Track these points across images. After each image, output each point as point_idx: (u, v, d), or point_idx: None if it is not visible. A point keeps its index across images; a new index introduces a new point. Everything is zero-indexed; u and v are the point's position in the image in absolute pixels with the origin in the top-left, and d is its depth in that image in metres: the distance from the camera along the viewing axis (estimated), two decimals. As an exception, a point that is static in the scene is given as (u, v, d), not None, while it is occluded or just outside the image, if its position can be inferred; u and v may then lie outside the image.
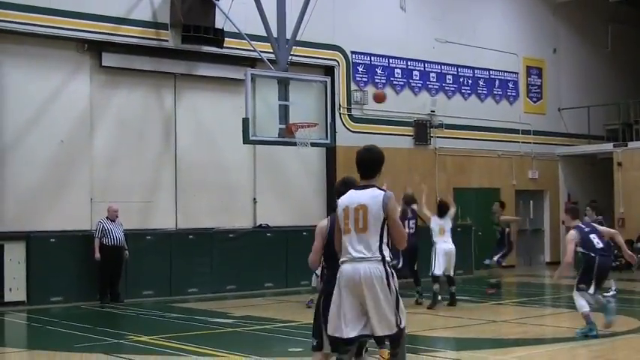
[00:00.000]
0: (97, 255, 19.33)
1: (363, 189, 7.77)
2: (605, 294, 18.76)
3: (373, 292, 7.44)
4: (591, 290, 13.41)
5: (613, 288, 19.34)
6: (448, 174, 27.30)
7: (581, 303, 13.37)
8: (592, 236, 13.52)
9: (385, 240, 7.57)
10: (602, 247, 13.46)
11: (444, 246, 17.99)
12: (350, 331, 7.53)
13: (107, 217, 19.73)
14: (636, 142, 29.89)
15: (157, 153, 22.08)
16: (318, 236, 8.44)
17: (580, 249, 13.56)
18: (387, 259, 7.56)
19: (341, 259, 7.65)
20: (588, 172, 31.48)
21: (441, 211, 18.35)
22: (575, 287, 13.60)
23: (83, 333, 14.72)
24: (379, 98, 20.00)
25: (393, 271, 7.62)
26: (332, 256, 8.09)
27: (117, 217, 19.80)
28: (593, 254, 13.37)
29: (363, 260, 7.52)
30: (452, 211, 18.57)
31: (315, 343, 8.22)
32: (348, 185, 8.22)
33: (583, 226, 13.77)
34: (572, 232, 13.50)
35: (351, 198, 7.75)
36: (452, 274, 18.16)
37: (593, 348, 12.69)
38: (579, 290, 13.48)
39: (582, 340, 13.22)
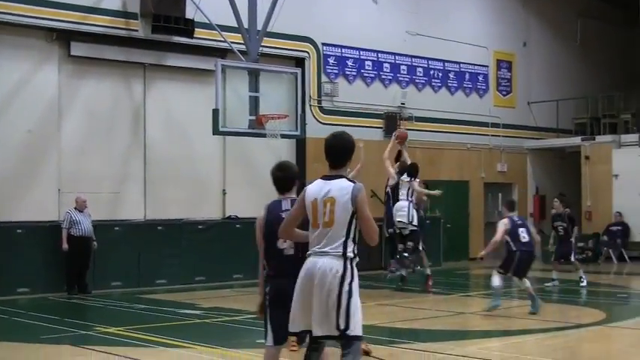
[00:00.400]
0: (65, 246, 19.20)
1: (331, 179, 7.22)
2: (547, 283, 19.23)
3: (322, 289, 6.95)
4: (496, 282, 15.31)
5: (554, 277, 20.19)
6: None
7: (495, 280, 15.28)
8: (520, 230, 15.16)
9: (352, 235, 7.04)
10: (527, 241, 15.11)
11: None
12: (295, 325, 7.19)
13: (75, 208, 19.60)
14: (604, 136, 30.11)
15: (126, 144, 21.97)
16: (257, 230, 8.09)
17: (507, 237, 15.17)
18: (350, 255, 7.01)
19: (307, 253, 7.23)
20: (557, 166, 31.68)
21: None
22: (497, 268, 15.42)
23: (50, 324, 14.64)
24: (402, 138, 20.05)
25: (355, 270, 7.07)
26: (272, 252, 7.88)
27: (85, 207, 19.67)
28: (515, 248, 15.07)
29: (324, 255, 7.03)
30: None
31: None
32: (283, 170, 8.18)
33: (515, 219, 15.43)
34: (505, 221, 15.24)
35: (319, 189, 7.21)
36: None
37: (559, 339, 12.80)
38: (499, 273, 15.33)
39: (550, 332, 13.34)
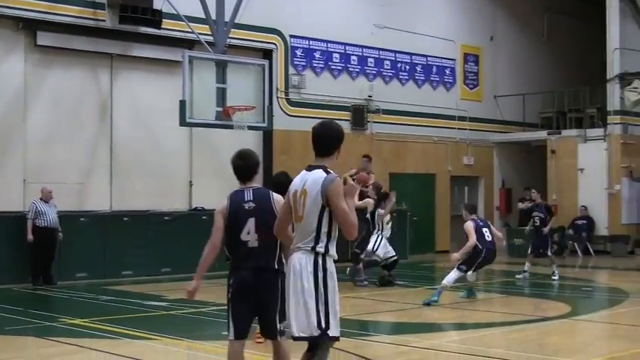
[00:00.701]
0: (30, 237, 19.07)
1: (312, 169, 6.91)
2: (518, 275, 19.52)
3: (295, 286, 6.71)
4: (469, 273, 15.90)
5: (525, 269, 20.45)
6: (384, 159, 27.38)
7: (451, 278, 15.71)
8: (484, 230, 16.01)
9: (325, 229, 6.71)
10: (490, 240, 15.88)
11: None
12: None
13: (41, 199, 19.45)
14: (570, 130, 30.29)
15: (92, 134, 21.86)
16: (218, 215, 7.94)
17: None
18: (320, 250, 6.70)
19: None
20: (523, 160, 31.87)
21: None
22: (457, 266, 15.82)
23: (15, 316, 14.55)
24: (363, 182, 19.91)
25: (328, 266, 6.75)
26: (235, 243, 7.82)
27: (51, 198, 19.54)
28: (481, 247, 15.69)
29: (297, 250, 6.78)
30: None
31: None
32: (243, 158, 7.96)
33: (478, 220, 16.37)
34: (470, 223, 16.04)
35: (300, 181, 6.94)
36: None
37: (525, 332, 12.90)
38: (459, 270, 15.78)
39: (516, 325, 13.44)
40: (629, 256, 27.54)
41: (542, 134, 30.80)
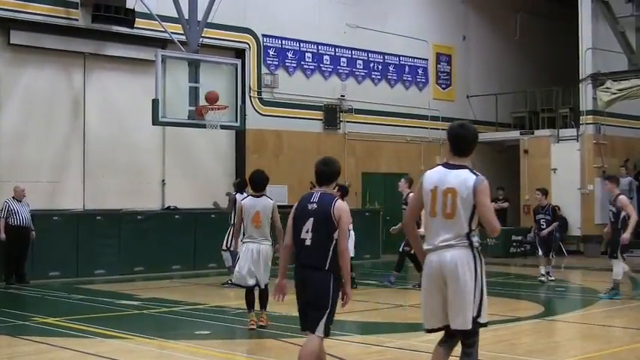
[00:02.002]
0: (2, 235, 19.00)
1: (453, 168, 7.37)
2: (543, 279, 19.23)
3: (457, 282, 7.00)
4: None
5: (545, 271, 19.88)
6: (357, 159, 27.47)
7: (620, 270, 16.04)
8: None
9: (474, 226, 7.17)
10: None
11: None
12: (432, 322, 7.24)
13: (13, 197, 19.37)
14: (542, 130, 30.42)
15: (65, 133, 21.80)
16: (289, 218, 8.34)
17: None
18: (476, 244, 7.13)
19: (425, 247, 7.23)
20: (495, 160, 31.94)
21: None
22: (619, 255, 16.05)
23: (-14, 315, 14.49)
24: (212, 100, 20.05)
25: (482, 258, 7.20)
26: (296, 241, 8.18)
27: (24, 197, 19.46)
28: None
29: (450, 248, 7.08)
30: None
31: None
32: (327, 165, 8.40)
33: None
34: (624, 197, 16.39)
35: (440, 177, 7.31)
36: None
37: (498, 332, 12.94)
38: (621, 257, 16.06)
39: (489, 325, 13.47)
40: (602, 257, 27.67)
41: (514, 134, 30.94)
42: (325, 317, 8.06)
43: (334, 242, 7.99)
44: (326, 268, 8.02)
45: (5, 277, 19.17)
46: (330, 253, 8.02)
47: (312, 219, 8.08)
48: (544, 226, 19.80)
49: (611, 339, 12.52)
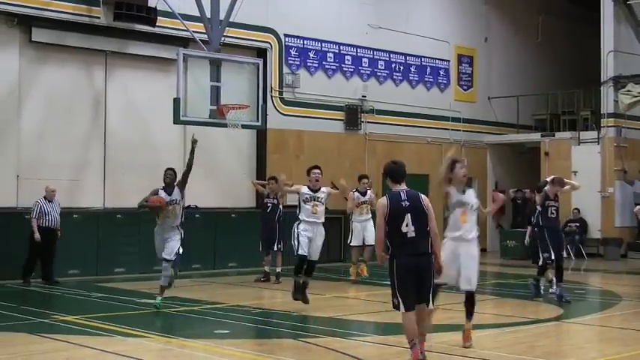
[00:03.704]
0: (37, 235, 18.83)
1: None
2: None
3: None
4: None
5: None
6: (378, 159, 27.32)
7: None
8: None
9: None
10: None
11: None
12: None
13: (45, 197, 19.32)
14: (563, 132, 30.33)
15: (86, 131, 21.86)
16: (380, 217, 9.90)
17: None
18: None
19: None
20: (516, 161, 31.88)
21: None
22: None
23: (7, 312, 14.52)
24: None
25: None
26: (396, 234, 9.80)
27: (54, 197, 19.41)
28: None
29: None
30: None
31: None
32: (396, 162, 10.45)
33: None
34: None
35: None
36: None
37: (516, 335, 12.92)
38: None
39: (506, 327, 13.48)
40: (621, 259, 27.58)
41: (535, 136, 30.82)
42: (432, 290, 10.04)
43: (428, 229, 9.88)
44: (429, 252, 9.90)
45: (24, 275, 19.14)
46: (430, 239, 9.90)
47: (409, 214, 9.74)
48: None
49: (630, 342, 12.44)
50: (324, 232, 15.29)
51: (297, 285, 15.10)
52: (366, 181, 20.27)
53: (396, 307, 9.92)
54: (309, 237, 14.98)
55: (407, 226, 9.70)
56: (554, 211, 16.54)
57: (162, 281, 15.22)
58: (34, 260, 19.25)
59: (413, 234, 9.72)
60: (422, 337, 10.04)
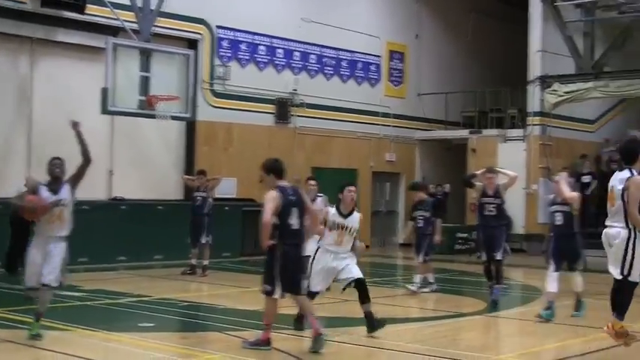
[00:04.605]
0: None
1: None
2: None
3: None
4: None
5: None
6: (307, 153, 27.44)
7: None
8: None
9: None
10: None
11: None
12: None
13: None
14: (490, 130, 30.67)
15: (9, 120, 21.49)
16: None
17: None
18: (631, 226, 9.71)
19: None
20: (444, 157, 32.15)
21: None
22: None
23: None
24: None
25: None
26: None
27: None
28: None
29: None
30: None
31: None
32: (279, 160, 11.00)
33: None
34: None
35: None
36: None
37: (440, 328, 13.05)
38: None
39: (430, 321, 13.60)
40: (543, 255, 27.94)
41: (463, 133, 31.13)
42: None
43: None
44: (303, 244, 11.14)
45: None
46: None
47: (295, 208, 10.71)
48: (421, 224, 17.74)
49: (548, 335, 12.64)
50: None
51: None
52: (313, 182, 17.19)
53: (269, 292, 10.57)
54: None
55: (293, 218, 10.57)
56: (492, 209, 16.33)
57: (41, 307, 11.46)
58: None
59: (297, 226, 10.63)
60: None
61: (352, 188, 12.36)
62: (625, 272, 9.76)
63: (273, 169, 10.87)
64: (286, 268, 10.56)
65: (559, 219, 13.87)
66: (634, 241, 9.69)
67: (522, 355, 11.10)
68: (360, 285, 11.75)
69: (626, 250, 9.70)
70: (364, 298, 11.77)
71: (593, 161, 29.93)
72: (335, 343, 11.22)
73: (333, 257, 11.86)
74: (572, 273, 13.92)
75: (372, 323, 11.69)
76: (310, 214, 11.04)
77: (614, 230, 9.85)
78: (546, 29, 29.34)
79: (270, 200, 10.47)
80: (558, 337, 12.42)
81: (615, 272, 9.86)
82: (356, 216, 12.20)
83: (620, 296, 9.94)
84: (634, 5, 29.40)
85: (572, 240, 13.88)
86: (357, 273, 11.81)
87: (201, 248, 19.90)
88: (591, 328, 12.34)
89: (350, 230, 12.00)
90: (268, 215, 10.38)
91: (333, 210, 12.12)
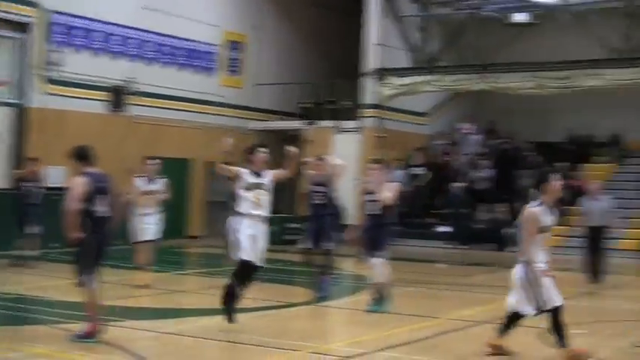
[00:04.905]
0: None
1: None
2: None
3: None
4: None
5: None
6: (141, 142, 27.08)
7: None
8: None
9: None
10: None
11: None
12: None
13: None
14: (326, 121, 31.09)
15: None
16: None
17: None
18: None
19: None
20: (279, 148, 32.28)
21: None
22: None
23: None
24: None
25: None
26: None
27: None
28: None
29: None
30: None
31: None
32: (89, 148, 10.95)
33: None
34: None
35: None
36: None
37: (270, 318, 13.29)
38: None
39: (261, 311, 13.76)
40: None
41: (298, 124, 31.45)
42: None
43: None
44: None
45: None
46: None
47: (102, 195, 10.71)
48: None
49: (376, 324, 12.97)
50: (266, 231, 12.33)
51: (235, 296, 12.11)
52: (153, 162, 17.42)
53: (84, 284, 10.60)
54: (252, 236, 12.06)
55: (99, 205, 10.50)
56: (321, 197, 16.42)
57: None
58: None
59: (103, 214, 10.57)
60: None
61: (263, 149, 13.17)
62: None
63: (82, 155, 10.94)
64: (94, 259, 10.65)
65: (372, 208, 14.15)
66: None
67: (352, 344, 11.34)
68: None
69: None
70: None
71: (426, 153, 30.84)
72: (164, 334, 11.28)
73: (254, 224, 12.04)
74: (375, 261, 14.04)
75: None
76: (116, 202, 11.21)
77: None
78: (383, 23, 29.99)
79: (77, 186, 10.42)
80: (387, 327, 12.73)
81: None
82: (269, 172, 12.76)
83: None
84: (468, 2, 30.41)
85: (381, 229, 13.96)
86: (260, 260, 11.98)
87: (30, 239, 19.49)
88: (418, 316, 12.75)
89: (267, 187, 12.39)
90: (74, 202, 10.31)
91: (246, 171, 12.63)
